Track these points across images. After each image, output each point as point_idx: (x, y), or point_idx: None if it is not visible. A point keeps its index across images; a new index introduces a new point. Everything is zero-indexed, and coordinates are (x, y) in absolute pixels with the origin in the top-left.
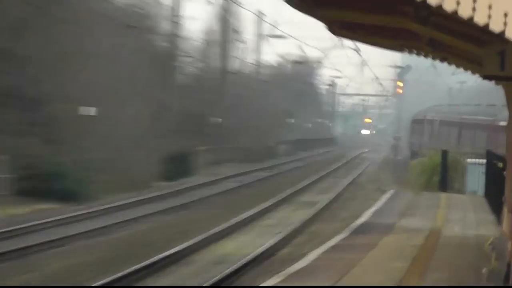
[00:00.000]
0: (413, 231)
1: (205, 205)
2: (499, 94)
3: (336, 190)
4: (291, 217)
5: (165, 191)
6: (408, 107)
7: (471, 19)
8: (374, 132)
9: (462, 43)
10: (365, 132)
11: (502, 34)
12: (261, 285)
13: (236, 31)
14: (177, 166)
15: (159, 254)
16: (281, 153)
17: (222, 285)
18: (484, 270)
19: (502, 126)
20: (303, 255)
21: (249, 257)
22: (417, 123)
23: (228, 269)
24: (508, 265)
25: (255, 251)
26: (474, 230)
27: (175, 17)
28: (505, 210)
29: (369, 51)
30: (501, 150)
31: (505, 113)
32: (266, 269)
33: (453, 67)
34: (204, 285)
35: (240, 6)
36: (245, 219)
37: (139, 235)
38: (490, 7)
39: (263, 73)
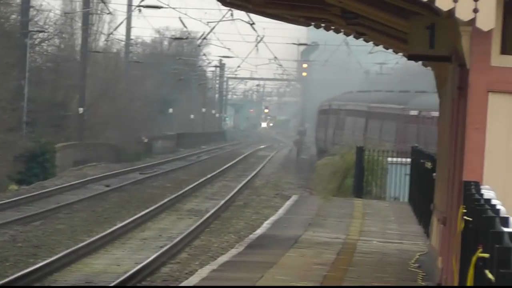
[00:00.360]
0: (321, 246)
1: (66, 214)
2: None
3: (226, 195)
4: (174, 228)
5: (17, 197)
6: (316, 94)
7: None
8: (271, 124)
9: (383, 14)
10: (264, 125)
11: (431, 3)
12: None
13: (102, 1)
14: (33, 166)
15: (3, 279)
16: (158, 150)
17: None
18: None
19: (414, 116)
20: (188, 273)
21: (124, 276)
22: (323, 113)
23: None
24: (438, 286)
25: (131, 269)
26: (397, 244)
27: None
28: (434, 220)
29: (266, 25)
30: (410, 145)
31: (417, 100)
32: None
33: (371, 44)
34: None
35: None
36: (117, 229)
37: None
38: None
39: (135, 52)
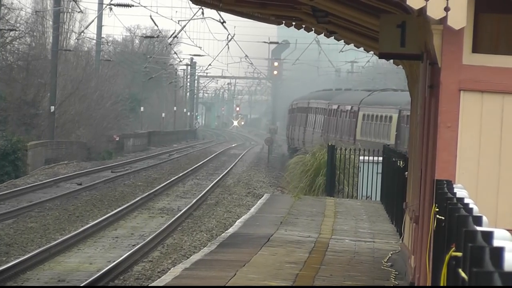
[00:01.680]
0: (293, 245)
1: (38, 212)
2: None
3: (198, 194)
4: (146, 226)
5: None
6: (287, 93)
7: None
8: (243, 123)
9: (353, 12)
10: (235, 123)
11: (402, 2)
12: None
13: None
14: (4, 165)
15: None
16: (130, 149)
17: None
18: None
19: (334, 110)
20: (161, 272)
21: (96, 275)
22: (292, 112)
23: None
24: (411, 285)
25: (104, 267)
26: (369, 243)
27: None
28: (406, 219)
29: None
30: (332, 135)
31: (339, 96)
32: None
33: (342, 43)
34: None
35: None
36: (89, 228)
37: None
38: None
39: (106, 51)
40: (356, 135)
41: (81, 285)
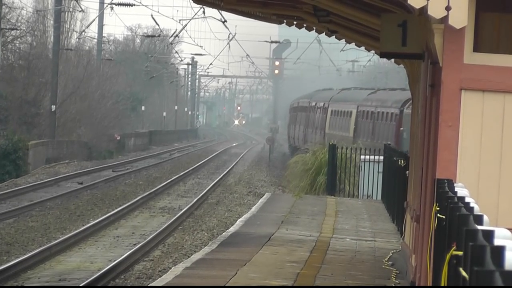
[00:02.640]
0: (294, 244)
1: (39, 211)
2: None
3: (199, 193)
4: (147, 225)
5: None
6: (289, 92)
7: None
8: (244, 122)
9: (355, 12)
10: (236, 122)
11: (403, 1)
12: None
13: None
14: (5, 164)
15: None
16: (131, 148)
17: None
18: None
19: (311, 107)
20: (162, 271)
21: (98, 274)
22: (294, 111)
23: None
24: (412, 284)
25: (105, 266)
26: (370, 242)
27: None
28: (407, 218)
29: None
30: (312, 129)
31: (319, 95)
32: None
33: (343, 42)
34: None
35: None
36: (90, 227)
37: None
38: None
39: (107, 50)
40: (326, 129)
41: (81, 284)
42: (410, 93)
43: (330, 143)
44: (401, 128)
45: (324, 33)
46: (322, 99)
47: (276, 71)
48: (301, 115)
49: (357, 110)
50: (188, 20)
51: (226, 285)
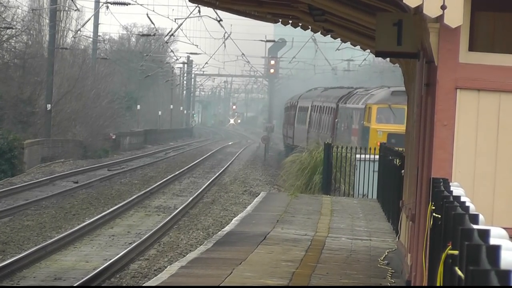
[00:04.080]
0: (290, 243)
1: (34, 210)
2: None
3: (194, 192)
4: (143, 224)
5: None
6: (284, 91)
7: None
8: (239, 121)
9: (350, 11)
10: (231, 121)
11: (399, 0)
12: None
13: None
14: (0, 163)
15: None
16: (126, 147)
17: None
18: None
19: (289, 106)
20: (157, 270)
21: (93, 273)
22: (289, 110)
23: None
24: (408, 283)
25: (100, 265)
26: (365, 241)
27: None
28: (403, 217)
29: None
30: (289, 125)
31: (298, 94)
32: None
33: (338, 41)
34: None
35: None
36: (85, 226)
37: None
38: None
39: (103, 49)
40: (295, 123)
41: (75, 284)
42: (406, 92)
43: (326, 142)
44: (336, 120)
45: (319, 32)
46: (307, 97)
47: (272, 70)
48: (290, 114)
49: (311, 105)
50: (184, 19)
51: (221, 285)
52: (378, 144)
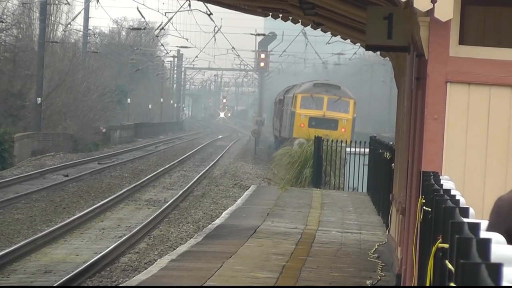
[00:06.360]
0: (280, 236)
1: (24, 204)
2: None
3: (185, 185)
4: (133, 217)
5: None
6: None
7: None
8: (229, 115)
9: (340, 4)
10: (222, 115)
11: None
12: None
13: None
14: None
15: None
16: (116, 140)
17: None
18: (368, 283)
19: (277, 100)
20: (147, 263)
21: (83, 266)
22: (278, 104)
23: (61, 280)
24: (398, 277)
25: (90, 258)
26: (356, 234)
27: None
28: (393, 211)
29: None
30: (277, 118)
31: (291, 89)
32: (104, 280)
33: (329, 35)
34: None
35: None
36: (76, 219)
37: None
38: None
39: (93, 43)
40: (281, 116)
41: (54, 285)
42: (396, 86)
43: (316, 136)
44: (282, 107)
45: (310, 26)
46: (291, 91)
47: (262, 64)
48: (278, 107)
49: (278, 98)
50: (174, 13)
51: (204, 284)
52: (302, 125)
